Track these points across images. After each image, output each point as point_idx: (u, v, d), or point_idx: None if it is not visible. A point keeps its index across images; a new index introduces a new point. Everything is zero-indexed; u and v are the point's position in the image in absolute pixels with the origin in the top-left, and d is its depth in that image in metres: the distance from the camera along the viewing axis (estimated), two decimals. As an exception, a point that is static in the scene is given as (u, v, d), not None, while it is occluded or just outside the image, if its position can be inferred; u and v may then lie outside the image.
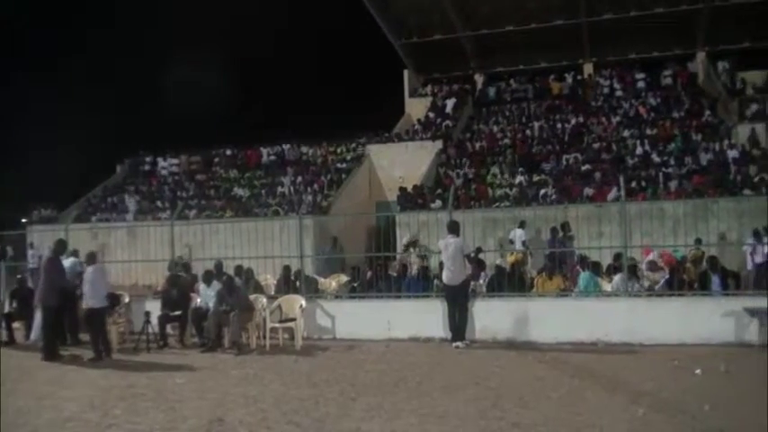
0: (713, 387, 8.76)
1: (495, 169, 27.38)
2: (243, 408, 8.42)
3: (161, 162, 35.16)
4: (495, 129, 31.96)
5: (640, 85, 33.46)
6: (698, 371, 9.54)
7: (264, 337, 12.89)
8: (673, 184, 23.40)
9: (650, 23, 32.72)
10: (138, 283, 18.24)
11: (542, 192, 24.55)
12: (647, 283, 13.71)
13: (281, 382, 9.81)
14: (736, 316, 11.37)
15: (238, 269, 14.84)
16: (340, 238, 20.39)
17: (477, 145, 30.28)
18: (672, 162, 25.28)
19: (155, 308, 13.66)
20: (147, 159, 35.82)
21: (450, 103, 34.50)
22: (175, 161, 35.03)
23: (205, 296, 13.63)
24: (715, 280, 12.66)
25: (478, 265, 13.90)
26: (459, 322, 12.18)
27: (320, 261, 18.86)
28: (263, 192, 29.92)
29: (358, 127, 33.91)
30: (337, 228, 22.45)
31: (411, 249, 17.52)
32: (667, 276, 13.41)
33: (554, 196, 24.05)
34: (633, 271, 12.91)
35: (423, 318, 12.92)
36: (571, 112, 31.85)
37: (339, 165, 31.09)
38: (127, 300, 14.62)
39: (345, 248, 19.98)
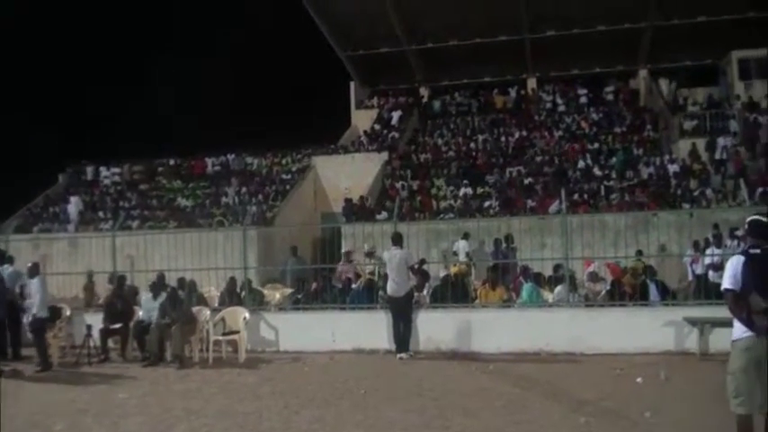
0: (654, 394, 8.93)
1: (439, 181, 27.59)
2: (185, 422, 8.30)
3: (103, 171, 34.47)
4: (440, 141, 32.22)
5: (583, 100, 34.10)
6: (639, 379, 9.72)
7: (207, 351, 12.73)
8: (614, 197, 23.87)
9: (593, 41, 33.32)
10: (79, 295, 17.89)
11: (486, 204, 24.82)
12: (587, 294, 13.94)
13: (224, 396, 9.70)
14: (676, 325, 11.64)
15: (181, 281, 14.65)
16: (285, 249, 20.24)
17: (423, 157, 30.50)
18: (613, 176, 25.80)
19: (96, 321, 13.38)
20: (90, 169, 35.11)
21: (395, 115, 34.67)
22: (118, 170, 34.40)
23: (147, 309, 13.40)
24: (653, 289, 12.93)
25: (422, 276, 13.96)
26: (403, 333, 12.21)
27: (276, 273, 18.71)
28: (207, 202, 29.54)
29: (304, 138, 33.75)
30: (282, 239, 22.32)
31: (367, 258, 17.40)
32: (608, 287, 13.64)
33: (497, 208, 24.33)
34: (573, 282, 13.11)
35: (367, 329, 12.91)
36: (515, 126, 32.27)
37: (284, 176, 30.89)
38: (68, 313, 14.29)
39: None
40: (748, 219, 6.02)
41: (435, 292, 13.79)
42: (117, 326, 13.28)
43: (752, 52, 30.01)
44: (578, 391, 9.24)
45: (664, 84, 32.34)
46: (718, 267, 14.32)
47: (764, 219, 5.93)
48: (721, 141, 25.58)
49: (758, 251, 5.75)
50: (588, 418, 7.77)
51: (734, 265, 5.80)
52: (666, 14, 31.59)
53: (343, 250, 16.95)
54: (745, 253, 5.87)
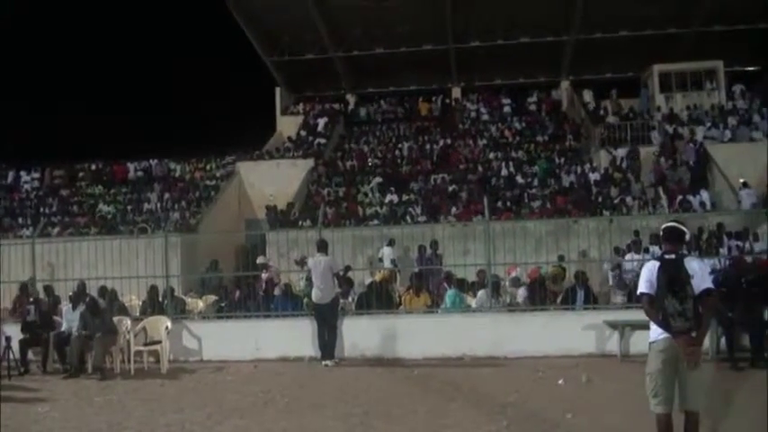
0: (575, 396, 9.12)
1: (365, 188, 27.65)
2: (105, 434, 8.12)
3: (23, 176, 33.32)
4: (366, 148, 32.29)
5: (506, 109, 34.67)
6: (560, 381, 9.92)
7: (129, 361, 12.47)
8: (536, 204, 24.31)
9: (516, 52, 33.94)
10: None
11: (411, 210, 24.96)
12: (509, 299, 14.15)
13: (146, 408, 9.50)
14: (597, 328, 11.94)
15: (102, 290, 14.30)
16: (208, 256, 19.99)
17: (348, 164, 30.49)
18: (536, 183, 26.28)
19: (15, 332, 12.94)
20: (10, 173, 33.89)
21: (321, 121, 34.58)
22: (38, 175, 33.29)
23: (68, 320, 13.01)
24: (580, 295, 13.20)
25: (347, 283, 13.96)
26: (328, 340, 12.18)
27: (196, 283, 18.45)
28: (129, 208, 28.91)
29: (228, 144, 33.40)
30: (205, 246, 21.99)
31: (298, 266, 17.12)
32: (527, 293, 13.82)
33: (423, 217, 24.48)
34: (496, 287, 13.29)
35: (292, 337, 12.84)
36: (439, 134, 32.58)
37: (208, 181, 30.42)
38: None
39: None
40: (663, 225, 6.20)
41: (360, 298, 13.80)
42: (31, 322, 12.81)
43: (672, 66, 31.17)
44: (501, 394, 9.36)
45: (588, 95, 33.09)
46: (637, 273, 14.75)
47: (679, 225, 6.12)
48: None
49: (673, 256, 5.93)
50: (510, 421, 7.88)
51: (649, 269, 5.98)
52: (589, 28, 32.37)
53: (258, 261, 16.57)
54: (660, 258, 6.05)
